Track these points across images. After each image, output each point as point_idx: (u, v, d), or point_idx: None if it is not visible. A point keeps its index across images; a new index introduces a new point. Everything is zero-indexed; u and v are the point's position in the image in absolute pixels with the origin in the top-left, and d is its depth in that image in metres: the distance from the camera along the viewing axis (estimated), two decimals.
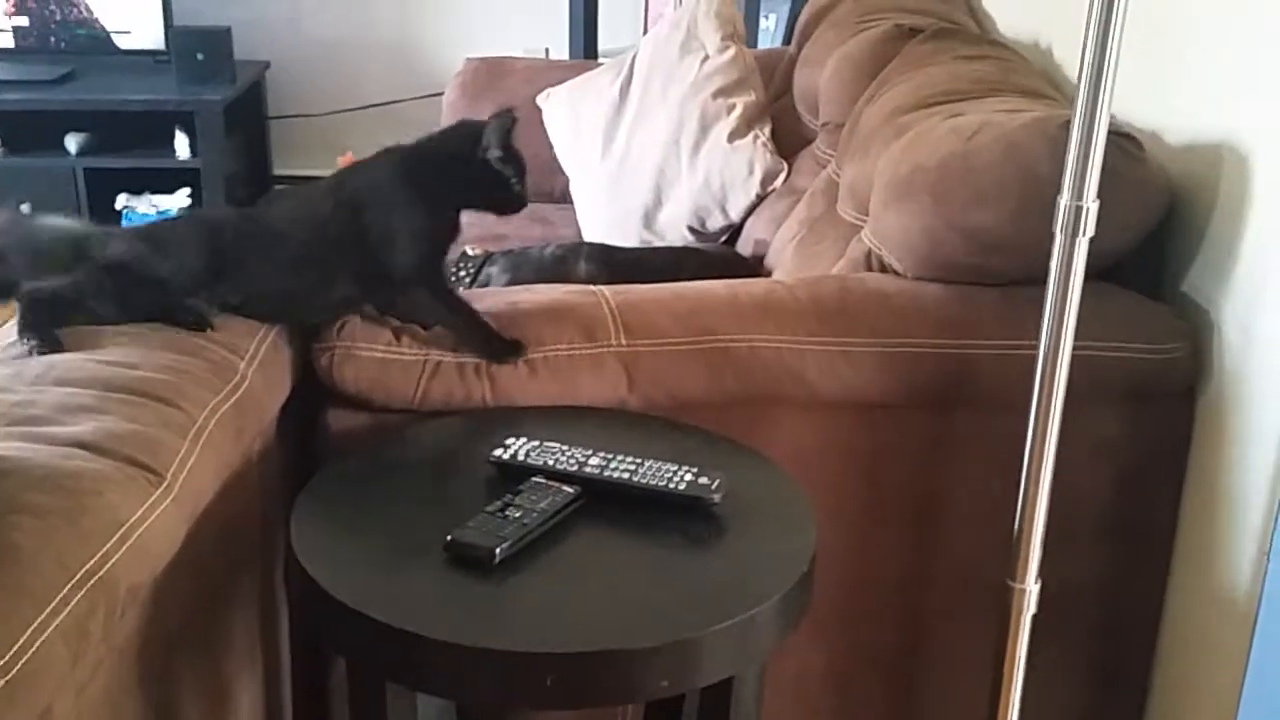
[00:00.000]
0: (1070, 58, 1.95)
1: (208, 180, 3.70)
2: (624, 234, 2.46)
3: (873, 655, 1.61)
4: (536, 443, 1.28)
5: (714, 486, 1.21)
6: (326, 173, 1.56)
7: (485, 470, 1.27)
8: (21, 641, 0.87)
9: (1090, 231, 1.24)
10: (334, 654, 1.44)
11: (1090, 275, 1.27)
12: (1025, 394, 1.30)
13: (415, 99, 3.99)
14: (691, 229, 2.43)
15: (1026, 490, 1.32)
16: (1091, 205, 1.23)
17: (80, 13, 3.75)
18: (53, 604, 0.91)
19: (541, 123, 2.73)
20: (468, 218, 1.46)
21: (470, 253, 2.20)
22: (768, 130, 2.41)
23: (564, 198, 2.69)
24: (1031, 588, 1.35)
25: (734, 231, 2.41)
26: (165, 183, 3.72)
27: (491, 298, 1.52)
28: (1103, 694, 1.63)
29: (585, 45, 3.66)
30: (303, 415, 1.44)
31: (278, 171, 4.19)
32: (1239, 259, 1.43)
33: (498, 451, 1.27)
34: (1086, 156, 1.21)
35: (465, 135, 1.44)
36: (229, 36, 3.76)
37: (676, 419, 1.41)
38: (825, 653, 1.58)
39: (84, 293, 1.32)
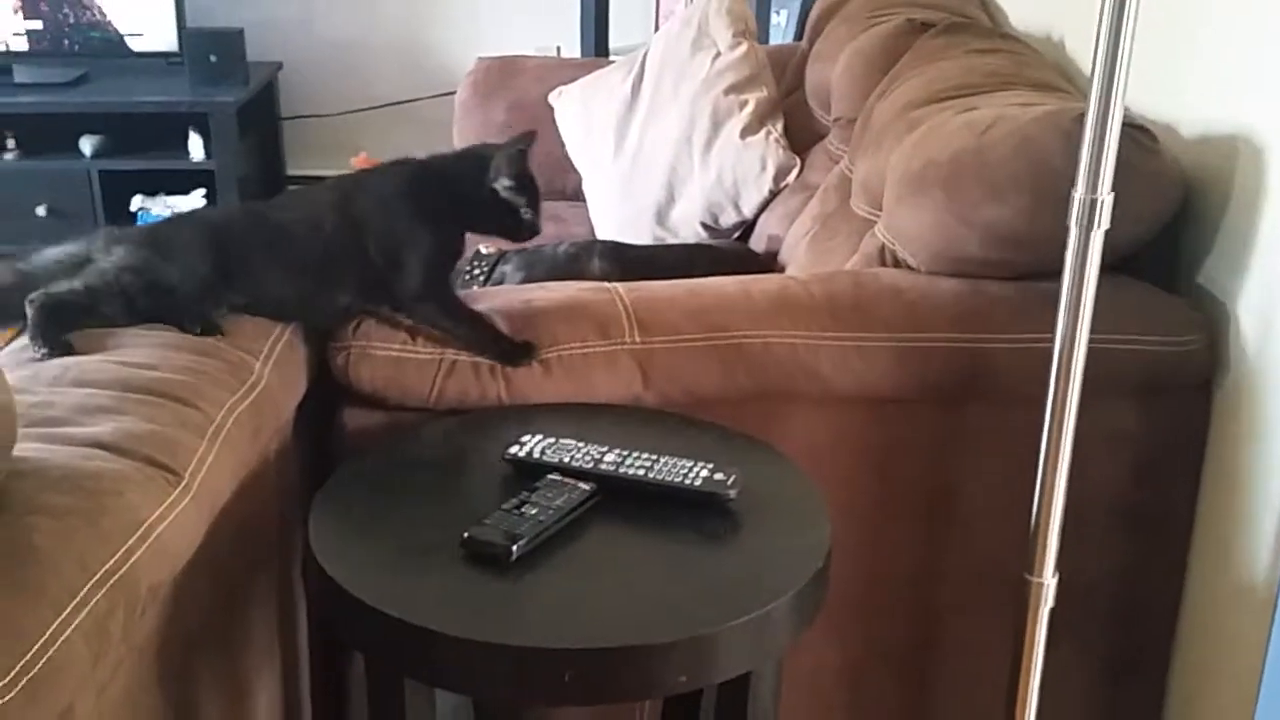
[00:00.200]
0: (1083, 50, 1.94)
1: (222, 181, 3.71)
2: (637, 231, 2.46)
3: (887, 650, 1.61)
4: (552, 440, 1.28)
5: (729, 482, 1.21)
6: (339, 173, 1.56)
7: (501, 468, 1.27)
8: (42, 641, 0.87)
9: (1105, 224, 1.23)
10: (352, 651, 1.45)
11: (1105, 268, 1.26)
12: (1040, 388, 1.30)
13: (427, 98, 4.00)
14: (704, 225, 2.43)
15: (1043, 484, 1.32)
16: (1106, 198, 1.22)
17: (93, 15, 3.76)
18: (73, 604, 0.91)
19: (553, 121, 2.73)
20: None
21: (484, 251, 2.21)
22: (780, 126, 2.41)
23: (576, 195, 2.69)
24: (1049, 581, 1.35)
25: (747, 228, 2.41)
26: (180, 184, 3.73)
27: (505, 296, 1.52)
28: (1120, 687, 1.63)
29: (596, 43, 3.66)
30: (319, 414, 1.45)
31: (291, 172, 4.20)
32: (1255, 250, 1.42)
33: (513, 449, 1.28)
34: (1101, 149, 1.21)
35: (474, 162, 1.43)
36: (241, 38, 3.77)
37: (691, 415, 1.41)
38: (840, 648, 1.58)
39: (95, 298, 1.32)
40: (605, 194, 2.60)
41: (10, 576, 0.90)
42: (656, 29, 3.77)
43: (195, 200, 3.72)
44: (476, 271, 2.17)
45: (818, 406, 1.49)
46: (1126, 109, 1.22)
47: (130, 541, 1.00)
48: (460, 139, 2.84)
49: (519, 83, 2.86)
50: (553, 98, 2.75)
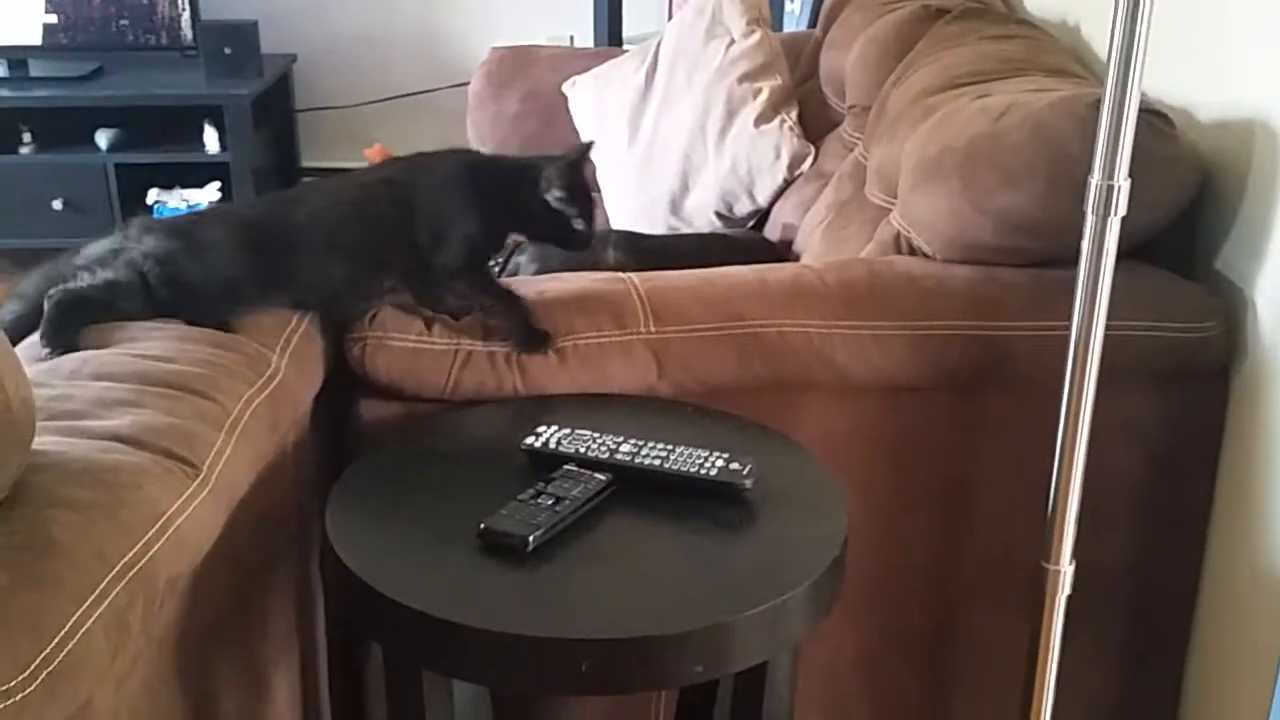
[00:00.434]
0: (1099, 35, 1.93)
1: (237, 173, 3.72)
2: (651, 221, 2.46)
3: (904, 640, 1.61)
4: (568, 430, 1.28)
5: (745, 472, 1.21)
6: (354, 164, 1.57)
7: (517, 459, 1.27)
8: (62, 634, 0.88)
9: (1122, 210, 1.23)
10: (370, 642, 1.46)
11: (1121, 254, 1.26)
12: (1057, 375, 1.30)
13: (442, 89, 4.00)
14: (719, 214, 2.43)
15: (1060, 471, 1.32)
16: (1123, 184, 1.22)
17: (108, 9, 3.77)
18: (92, 597, 0.92)
19: (567, 111, 2.73)
20: None
21: None
22: (794, 114, 2.40)
23: (590, 184, 2.68)
24: (1066, 569, 1.34)
25: (762, 216, 2.40)
26: (195, 177, 3.74)
27: (520, 287, 1.52)
28: (1137, 676, 1.62)
29: (610, 32, 3.66)
30: (335, 406, 1.45)
31: (306, 164, 4.21)
32: (1273, 235, 1.41)
33: (529, 440, 1.28)
34: (1117, 135, 1.20)
35: (528, 171, 1.45)
36: (256, 30, 3.77)
37: (706, 405, 1.41)
38: (856, 637, 1.58)
39: (114, 291, 1.33)
40: (619, 183, 2.59)
41: (30, 569, 0.90)
42: (670, 17, 3.76)
43: (210, 193, 3.73)
44: (491, 262, 2.17)
45: (833, 395, 1.48)
46: (1143, 94, 1.21)
47: (149, 534, 1.00)
48: (474, 129, 2.84)
49: (533, 73, 2.86)
50: (566, 87, 2.75)
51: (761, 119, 2.37)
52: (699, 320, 1.46)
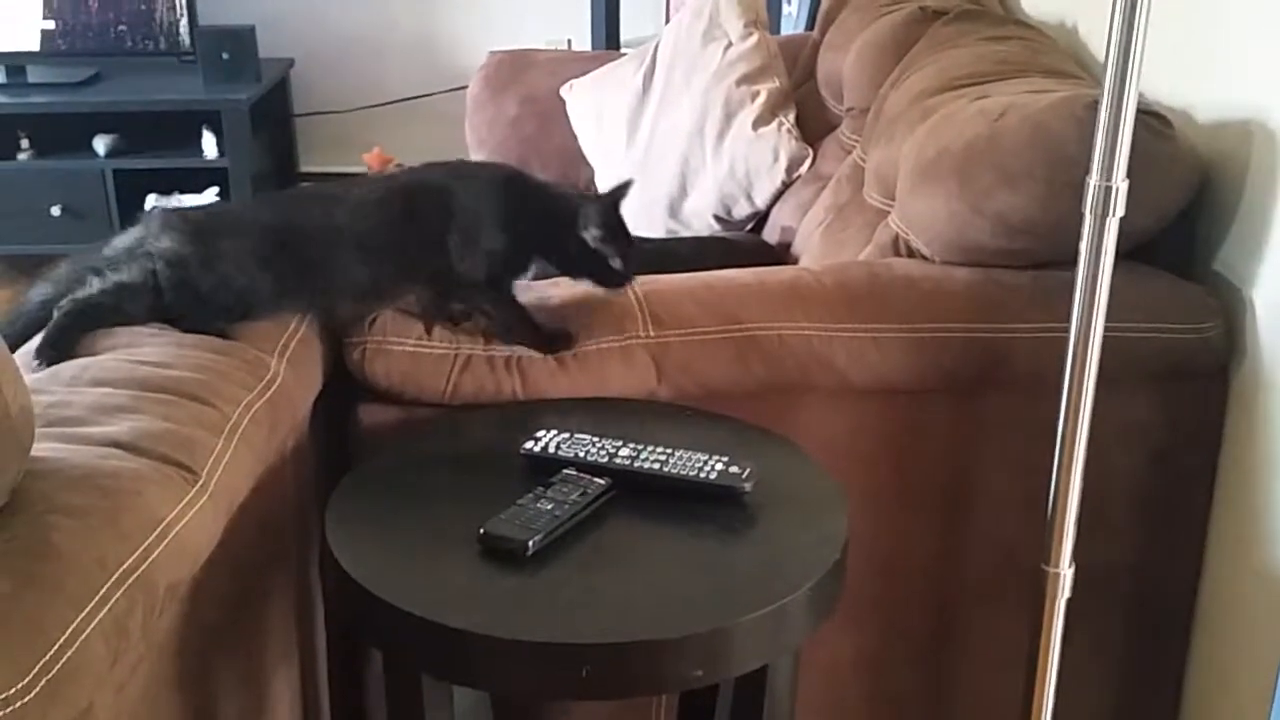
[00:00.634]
0: (1097, 36, 1.93)
1: (235, 179, 3.72)
2: (650, 224, 2.46)
3: (905, 642, 1.61)
4: (567, 435, 1.28)
5: (745, 475, 1.21)
6: (353, 169, 1.57)
7: (517, 463, 1.27)
8: (62, 641, 0.88)
9: (1120, 211, 1.23)
10: (370, 647, 1.45)
11: (1120, 255, 1.26)
12: (1056, 377, 1.30)
13: (440, 93, 4.00)
14: (717, 217, 2.43)
15: (1060, 473, 1.32)
16: (1121, 185, 1.22)
17: (106, 14, 3.77)
18: (92, 603, 0.92)
19: (565, 114, 2.73)
20: None
21: None
22: (792, 117, 2.40)
23: (589, 188, 2.69)
24: (1066, 571, 1.34)
25: (760, 219, 2.40)
26: (194, 182, 3.74)
27: (523, 293, 1.52)
28: (1138, 677, 1.62)
29: (607, 36, 3.66)
30: (335, 410, 1.45)
31: (305, 169, 4.21)
32: (1271, 235, 1.41)
33: (529, 444, 1.28)
34: (1115, 136, 1.20)
35: (568, 207, 1.46)
36: (253, 35, 3.77)
37: (706, 408, 1.41)
38: (857, 639, 1.58)
39: (122, 295, 1.32)
40: None
41: (30, 575, 0.90)
42: (667, 20, 3.76)
43: (208, 199, 3.73)
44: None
45: (833, 398, 1.48)
46: (1141, 95, 1.21)
47: (149, 540, 1.00)
48: (472, 133, 2.84)
49: (531, 76, 2.86)
50: (564, 91, 2.75)
51: (759, 121, 2.37)
52: (698, 324, 1.46)
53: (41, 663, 0.86)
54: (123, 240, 1.38)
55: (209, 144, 3.70)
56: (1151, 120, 1.42)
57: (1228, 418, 1.51)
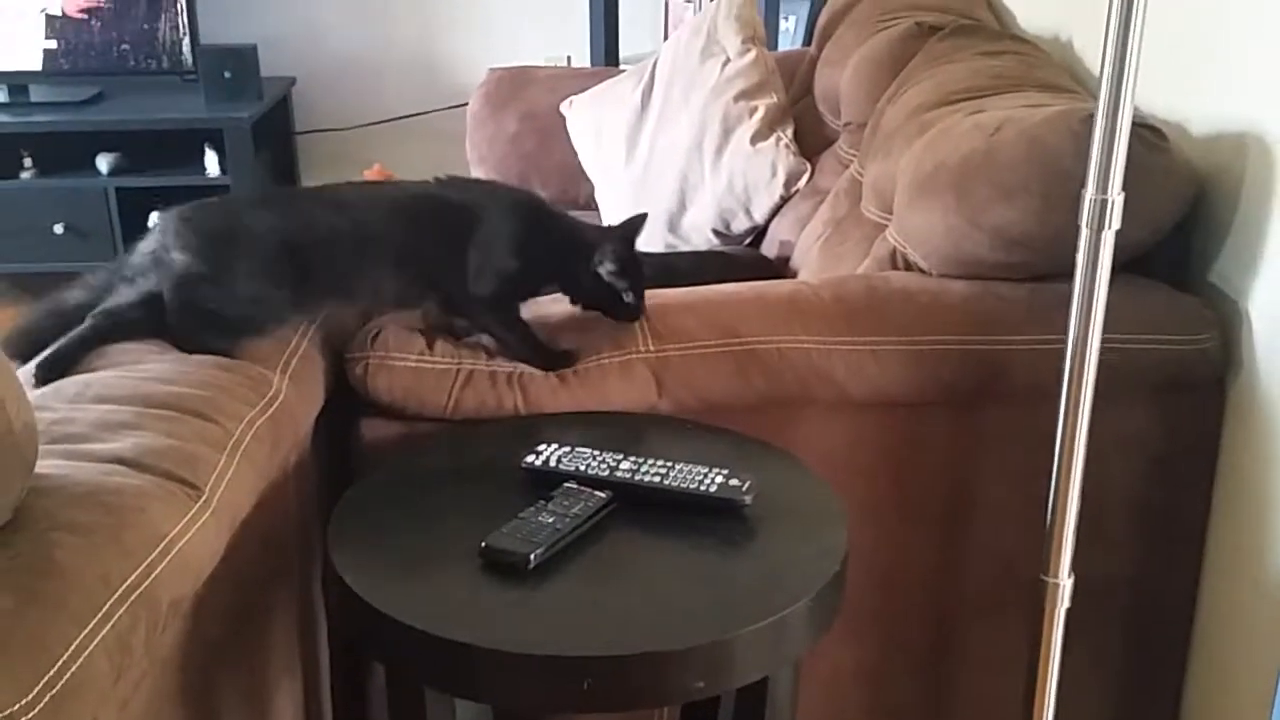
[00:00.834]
0: (1091, 50, 1.95)
1: None
2: (649, 239, 2.45)
3: (905, 653, 1.61)
4: (568, 448, 1.29)
5: (745, 488, 1.22)
6: None
7: (518, 476, 1.28)
8: (65, 657, 0.88)
9: (1116, 224, 1.24)
10: (372, 661, 1.46)
11: (1116, 268, 1.26)
12: (1054, 388, 1.30)
13: (440, 110, 4.02)
14: (716, 232, 2.44)
15: (1058, 484, 1.32)
16: (1116, 198, 1.23)
17: (109, 34, 3.79)
18: (95, 619, 0.92)
19: (565, 130, 2.74)
20: None
21: None
22: (790, 132, 2.41)
23: (589, 204, 2.70)
24: (1065, 582, 1.35)
25: (759, 234, 2.41)
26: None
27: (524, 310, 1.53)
28: (1138, 688, 1.62)
29: (606, 52, 3.67)
30: (337, 425, 1.46)
31: (306, 186, 4.22)
32: (1266, 248, 1.42)
33: (530, 458, 1.28)
34: (1110, 149, 1.21)
35: (585, 239, 1.47)
36: (255, 54, 3.79)
37: (706, 422, 1.42)
38: (858, 651, 1.58)
39: (153, 308, 1.34)
40: (617, 202, 2.60)
41: (33, 592, 0.90)
42: (666, 37, 3.78)
43: None
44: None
45: (832, 411, 1.49)
46: (1136, 109, 1.22)
47: (152, 556, 1.00)
48: (473, 150, 2.85)
49: (530, 93, 2.87)
50: (564, 107, 2.77)
51: (758, 137, 2.39)
52: (698, 338, 1.46)
53: (45, 679, 0.86)
54: (146, 245, 1.39)
55: (211, 162, 3.71)
56: (1146, 134, 1.43)
57: (1224, 428, 1.51)
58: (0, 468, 0.93)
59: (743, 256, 2.30)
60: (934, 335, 1.47)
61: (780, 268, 2.16)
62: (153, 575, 0.99)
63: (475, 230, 1.44)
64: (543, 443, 1.30)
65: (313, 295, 1.41)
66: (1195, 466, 1.53)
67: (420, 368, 1.42)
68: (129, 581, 0.97)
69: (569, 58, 3.99)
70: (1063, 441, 1.31)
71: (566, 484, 1.24)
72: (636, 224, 1.50)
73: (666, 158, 2.50)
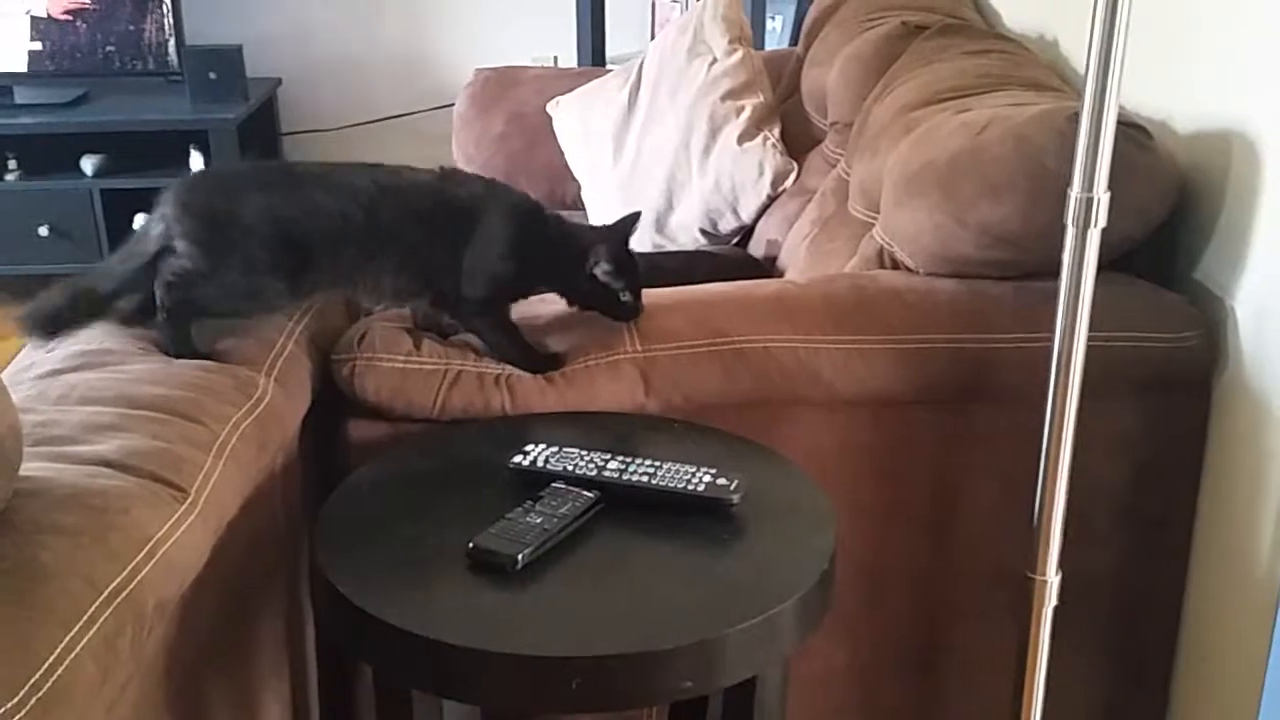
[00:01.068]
0: (1077, 49, 1.95)
1: None
2: (636, 239, 2.45)
3: (895, 651, 1.61)
4: (555, 448, 1.29)
5: (733, 487, 1.22)
6: None
7: (505, 477, 1.28)
8: (51, 660, 0.88)
9: (1101, 222, 1.24)
10: (360, 662, 1.45)
11: (1102, 266, 1.27)
12: (1041, 386, 1.31)
13: (426, 111, 4.01)
14: (703, 232, 2.44)
15: (1045, 482, 1.33)
16: (1102, 196, 1.23)
17: (94, 35, 3.77)
18: (81, 622, 0.92)
19: (552, 131, 2.74)
20: None
21: None
22: (777, 131, 2.41)
23: (576, 204, 2.70)
24: (1052, 579, 1.35)
25: (746, 233, 2.41)
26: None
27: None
28: (1126, 684, 1.63)
29: (593, 52, 3.67)
30: (324, 427, 1.45)
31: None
32: (1251, 246, 1.43)
33: (517, 458, 1.28)
34: (1096, 148, 1.21)
35: (580, 243, 1.47)
36: (240, 55, 3.78)
37: (694, 421, 1.42)
38: (847, 650, 1.58)
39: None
40: (604, 202, 2.60)
41: (19, 595, 0.90)
42: (653, 37, 3.78)
43: None
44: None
45: (820, 410, 1.49)
46: (1121, 107, 1.23)
47: (138, 559, 1.00)
48: (459, 151, 2.85)
49: (517, 93, 2.87)
50: (551, 107, 2.76)
51: (745, 136, 2.39)
52: (685, 338, 1.46)
53: (31, 682, 0.86)
54: (154, 229, 1.38)
55: (197, 163, 3.70)
56: (1132, 132, 1.44)
57: (1210, 425, 1.52)
58: None
59: (730, 256, 2.30)
60: (921, 334, 1.48)
61: (768, 267, 2.16)
62: (138, 578, 0.99)
63: (472, 231, 1.43)
64: (530, 443, 1.30)
65: (310, 285, 1.41)
66: (1181, 463, 1.54)
67: (407, 368, 1.42)
68: (115, 584, 0.97)
69: (556, 58, 3.98)
70: (1049, 439, 1.31)
71: (554, 484, 1.24)
72: (630, 223, 1.50)
73: (654, 157, 2.50)
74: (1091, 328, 1.28)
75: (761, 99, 2.45)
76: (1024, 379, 1.41)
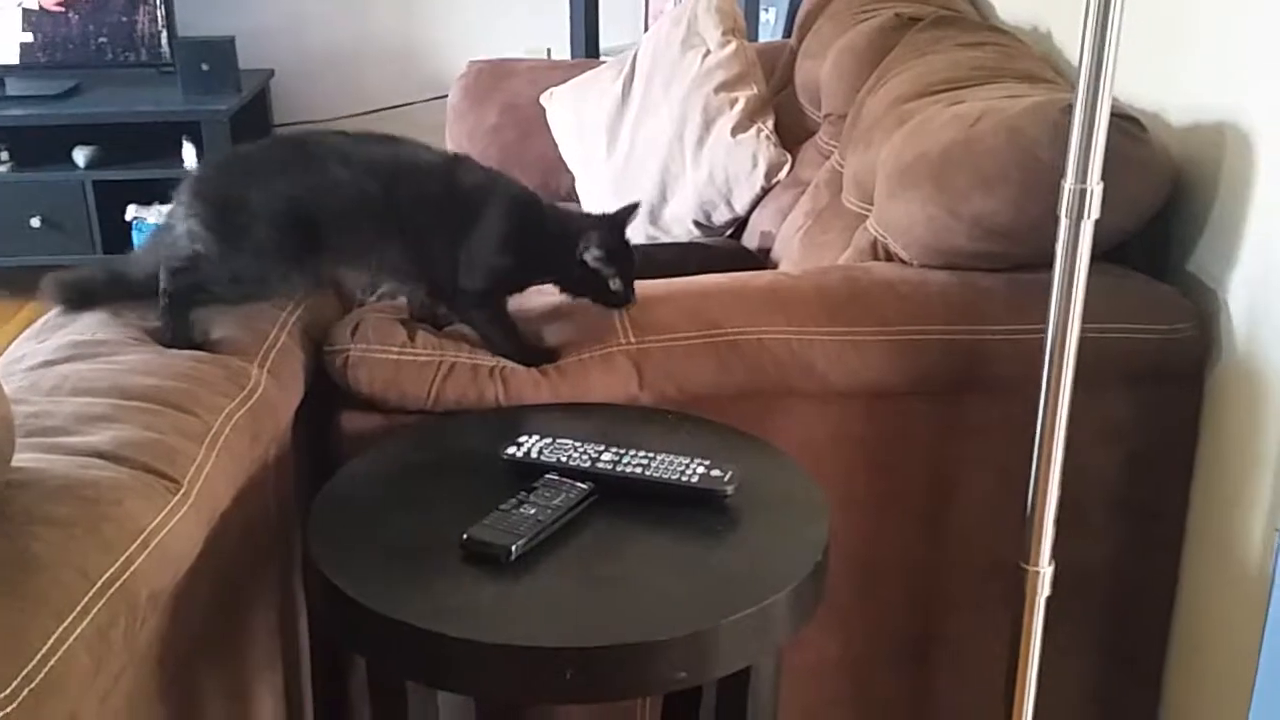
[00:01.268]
0: (1070, 41, 1.95)
1: None
2: (630, 230, 2.46)
3: (889, 643, 1.61)
4: (549, 440, 1.29)
5: (726, 479, 1.22)
6: None
7: (499, 468, 1.28)
8: (44, 651, 0.88)
9: (1094, 214, 1.24)
10: (354, 654, 1.45)
11: (1095, 257, 1.27)
12: (1034, 378, 1.31)
13: (419, 102, 4.00)
14: (697, 224, 2.44)
15: (1038, 473, 1.33)
16: (1095, 188, 1.23)
17: (86, 26, 3.76)
18: (74, 613, 0.92)
19: (546, 122, 2.74)
20: None
21: None
22: (771, 123, 2.41)
23: (570, 196, 2.70)
24: (1045, 570, 1.35)
25: (740, 225, 2.41)
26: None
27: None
28: (1118, 675, 1.63)
29: (587, 44, 3.67)
30: (317, 418, 1.45)
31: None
32: (1244, 237, 1.43)
33: (511, 450, 1.28)
34: (1089, 139, 1.21)
35: (571, 229, 1.46)
36: (233, 46, 3.77)
37: (688, 413, 1.42)
38: (841, 641, 1.59)
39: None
40: (598, 194, 2.60)
41: (11, 586, 0.90)
42: (646, 29, 3.77)
43: None
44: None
45: (814, 402, 1.49)
46: (1115, 99, 1.23)
47: (131, 549, 1.00)
48: (453, 142, 2.84)
49: (510, 85, 2.86)
50: (544, 99, 2.76)
51: (738, 128, 2.39)
52: (679, 329, 1.46)
53: (24, 673, 0.85)
54: (177, 220, 1.39)
55: (189, 155, 3.69)
56: (1125, 123, 1.44)
57: (1203, 417, 1.52)
58: None
59: (724, 248, 2.30)
60: (914, 325, 1.48)
61: (761, 259, 2.16)
62: (131, 568, 0.99)
63: (474, 223, 1.43)
64: (524, 434, 1.30)
65: (319, 266, 1.42)
66: (1174, 454, 1.54)
67: (401, 360, 1.42)
68: (108, 575, 0.97)
69: (549, 49, 3.98)
70: (1042, 430, 1.32)
71: (548, 475, 1.24)
72: (627, 212, 1.50)
73: (647, 149, 2.50)
74: (1084, 319, 1.28)
75: (755, 91, 2.45)
76: (1017, 370, 1.41)
